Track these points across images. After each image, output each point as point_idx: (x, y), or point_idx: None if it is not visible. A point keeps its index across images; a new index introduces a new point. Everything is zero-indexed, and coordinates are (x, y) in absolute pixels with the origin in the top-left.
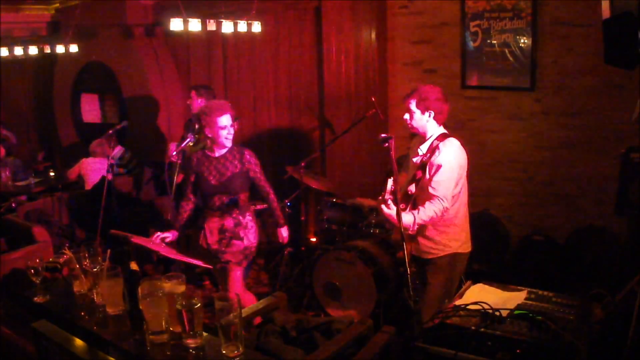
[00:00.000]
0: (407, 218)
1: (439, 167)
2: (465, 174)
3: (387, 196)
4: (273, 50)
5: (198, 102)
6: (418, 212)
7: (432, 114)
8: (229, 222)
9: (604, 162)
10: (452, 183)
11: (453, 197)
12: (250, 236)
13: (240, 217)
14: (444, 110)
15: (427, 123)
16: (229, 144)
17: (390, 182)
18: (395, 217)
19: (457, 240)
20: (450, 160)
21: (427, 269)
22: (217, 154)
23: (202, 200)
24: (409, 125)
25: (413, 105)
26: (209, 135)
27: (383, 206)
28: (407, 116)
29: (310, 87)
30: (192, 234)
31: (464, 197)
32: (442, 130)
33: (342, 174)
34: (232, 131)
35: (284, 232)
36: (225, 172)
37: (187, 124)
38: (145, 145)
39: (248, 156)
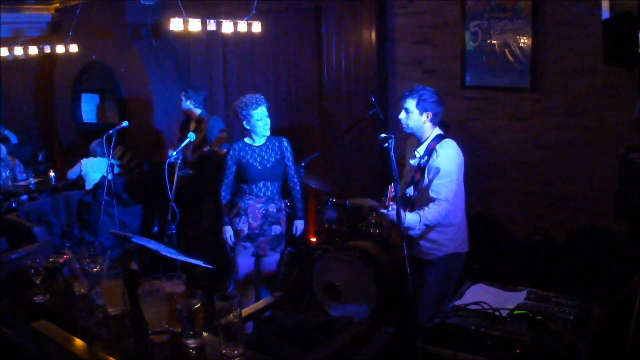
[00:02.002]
0: (412, 217)
1: (437, 170)
2: (462, 174)
3: (389, 202)
4: (273, 50)
5: (186, 104)
6: (422, 214)
7: (430, 115)
8: (272, 208)
9: (604, 162)
10: (453, 184)
11: (459, 199)
12: (284, 223)
13: (281, 204)
14: (440, 112)
15: (423, 124)
16: (267, 133)
17: (390, 188)
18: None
19: (455, 240)
20: (449, 162)
21: (425, 268)
22: (258, 143)
23: (245, 187)
24: (404, 125)
25: (412, 106)
26: (247, 128)
27: (384, 210)
28: (402, 116)
29: (310, 87)
30: (192, 234)
31: (461, 197)
32: (438, 131)
33: (342, 174)
34: (268, 122)
35: (301, 225)
36: (269, 159)
37: (181, 126)
38: (145, 145)
39: (286, 144)
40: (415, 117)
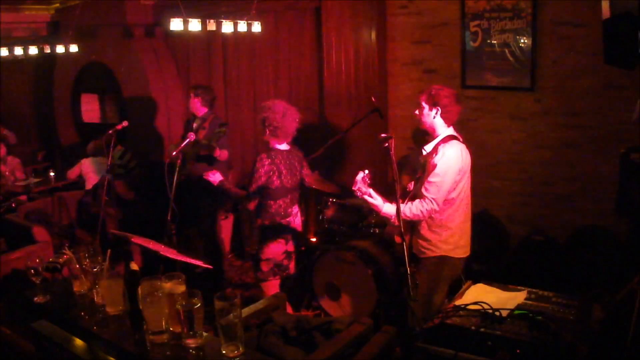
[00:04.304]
0: (389, 208)
1: (434, 167)
2: (466, 178)
3: (358, 186)
4: (273, 50)
5: (194, 102)
6: (404, 205)
7: (439, 110)
8: None
9: (604, 162)
10: (445, 186)
11: (449, 200)
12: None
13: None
14: (452, 109)
15: (434, 120)
16: None
17: (361, 174)
18: (375, 205)
19: (448, 243)
20: (447, 163)
21: (418, 266)
22: None
23: None
24: (420, 121)
25: (423, 100)
26: None
27: (366, 197)
28: (417, 111)
29: (310, 87)
30: (191, 234)
31: (462, 202)
32: (450, 131)
33: (342, 174)
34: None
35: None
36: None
37: (185, 124)
38: (145, 145)
39: (256, 160)
40: (425, 112)
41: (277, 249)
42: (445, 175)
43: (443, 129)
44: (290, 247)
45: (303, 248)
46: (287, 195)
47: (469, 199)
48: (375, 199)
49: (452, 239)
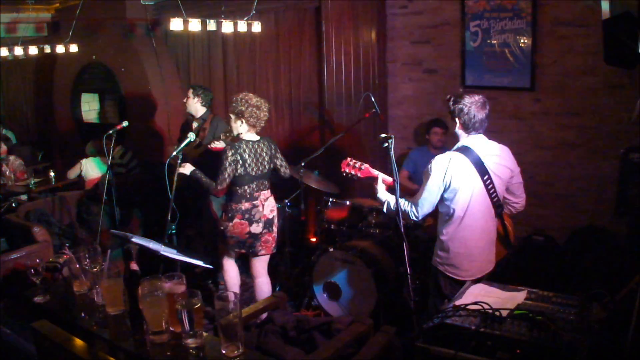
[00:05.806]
0: (383, 195)
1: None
2: (459, 194)
3: (347, 171)
4: (273, 50)
5: (194, 102)
6: (397, 199)
7: (459, 121)
8: None
9: (604, 162)
10: (427, 193)
11: (442, 214)
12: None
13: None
14: (475, 120)
15: (454, 128)
16: None
17: (345, 162)
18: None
19: (439, 257)
20: (429, 170)
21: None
22: None
23: None
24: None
25: (450, 109)
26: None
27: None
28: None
29: (310, 87)
30: (192, 235)
31: (459, 219)
32: (467, 141)
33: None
34: None
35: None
36: None
37: (183, 125)
38: (145, 145)
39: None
40: (449, 119)
41: (240, 229)
42: (426, 182)
43: (462, 137)
44: (256, 229)
45: (303, 248)
46: (252, 182)
47: (475, 220)
48: (376, 182)
49: (443, 253)
